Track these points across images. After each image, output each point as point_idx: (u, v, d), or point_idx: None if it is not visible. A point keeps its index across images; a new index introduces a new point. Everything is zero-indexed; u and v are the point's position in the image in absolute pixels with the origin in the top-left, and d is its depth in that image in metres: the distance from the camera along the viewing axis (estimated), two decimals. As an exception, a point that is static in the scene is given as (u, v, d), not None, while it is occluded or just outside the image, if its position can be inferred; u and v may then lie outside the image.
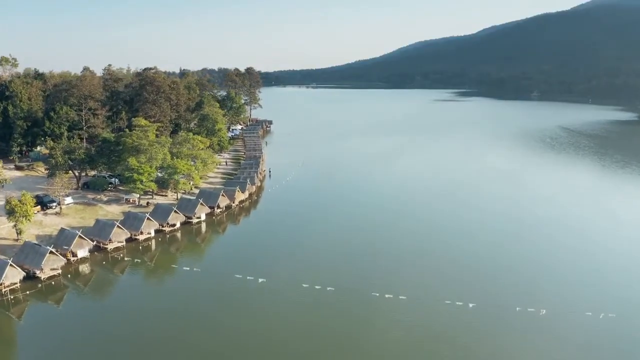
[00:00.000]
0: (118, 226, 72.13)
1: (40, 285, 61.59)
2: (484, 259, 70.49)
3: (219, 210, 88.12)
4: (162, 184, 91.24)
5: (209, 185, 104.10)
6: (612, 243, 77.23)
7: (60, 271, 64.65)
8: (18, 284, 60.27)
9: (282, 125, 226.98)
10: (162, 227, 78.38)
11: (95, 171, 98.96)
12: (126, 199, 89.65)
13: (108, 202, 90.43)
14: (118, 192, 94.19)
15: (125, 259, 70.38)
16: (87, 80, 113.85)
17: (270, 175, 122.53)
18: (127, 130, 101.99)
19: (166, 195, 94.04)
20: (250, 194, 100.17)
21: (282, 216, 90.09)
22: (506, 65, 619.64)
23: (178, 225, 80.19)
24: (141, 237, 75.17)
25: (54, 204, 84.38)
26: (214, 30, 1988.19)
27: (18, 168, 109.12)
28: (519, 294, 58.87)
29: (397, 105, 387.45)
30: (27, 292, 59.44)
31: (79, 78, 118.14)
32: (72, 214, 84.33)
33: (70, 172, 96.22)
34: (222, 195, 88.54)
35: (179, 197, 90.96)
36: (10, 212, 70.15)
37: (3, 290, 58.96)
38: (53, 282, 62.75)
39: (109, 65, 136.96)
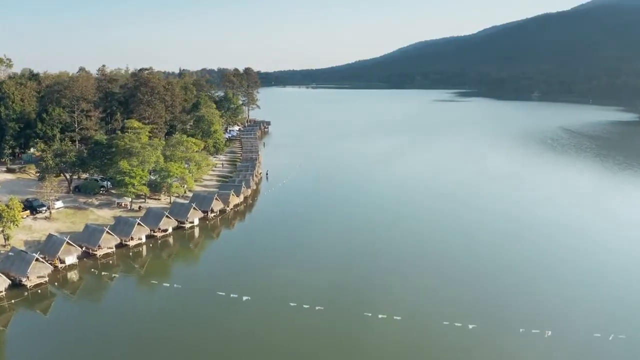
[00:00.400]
0: (107, 232, 70.10)
1: (26, 293, 59.62)
2: (484, 259, 70.11)
3: (212, 214, 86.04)
4: (155, 188, 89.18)
5: (204, 188, 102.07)
6: (615, 244, 76.28)
7: (47, 279, 62.73)
8: (3, 293, 58.26)
9: (281, 126, 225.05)
10: (154, 232, 76.35)
11: (87, 174, 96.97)
12: (118, 203, 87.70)
13: (100, 206, 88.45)
14: (110, 196, 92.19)
15: (115, 265, 68.49)
16: (80, 81, 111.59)
17: (267, 178, 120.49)
18: (119, 132, 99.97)
19: (159, 199, 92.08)
20: (246, 198, 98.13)
21: (276, 221, 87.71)
22: (506, 65, 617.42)
23: (170, 230, 78.15)
24: (131, 243, 73.15)
25: (44, 208, 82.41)
26: (213, 30, 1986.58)
27: (10, 171, 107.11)
28: (522, 312, 56.06)
29: (397, 105, 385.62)
30: (13, 301, 57.44)
31: (71, 79, 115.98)
32: (62, 218, 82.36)
33: (62, 175, 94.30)
34: (216, 199, 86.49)
35: (172, 201, 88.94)
36: (-3, 217, 68.17)
37: (-13, 299, 57.11)
38: (39, 290, 60.73)
39: (103, 65, 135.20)
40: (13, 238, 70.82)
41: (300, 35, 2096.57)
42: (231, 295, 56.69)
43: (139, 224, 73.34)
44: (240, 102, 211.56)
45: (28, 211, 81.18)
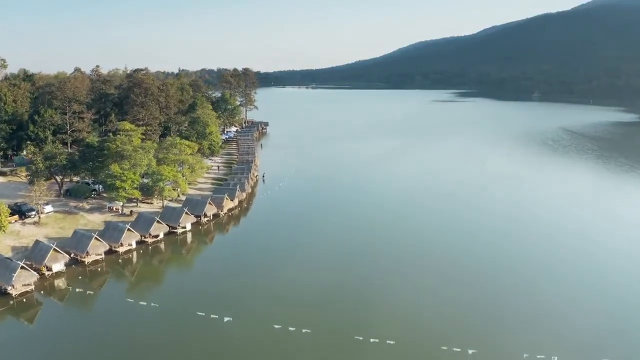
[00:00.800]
0: (96, 238, 67.99)
1: (11, 302, 57.66)
2: (484, 259, 69.76)
3: (205, 219, 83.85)
4: (147, 192, 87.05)
5: (198, 192, 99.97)
6: (616, 245, 75.86)
7: (33, 287, 60.72)
8: (-13, 302, 56.54)
9: (279, 127, 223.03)
10: (144, 238, 74.25)
11: (79, 177, 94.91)
12: (109, 208, 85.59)
13: (90, 210, 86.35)
14: (102, 200, 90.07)
15: (104, 273, 66.49)
16: (71, 82, 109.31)
17: (264, 180, 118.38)
18: (111, 134, 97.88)
19: (152, 203, 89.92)
20: (241, 202, 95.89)
21: (270, 227, 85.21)
22: (506, 65, 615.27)
23: (161, 236, 76.03)
24: (121, 250, 71.07)
25: (33, 212, 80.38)
26: (213, 30, 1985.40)
27: (1, 174, 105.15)
28: (522, 312, 55.54)
29: (396, 105, 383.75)
30: (-3, 310, 55.56)
31: (62, 80, 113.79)
32: (52, 223, 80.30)
33: (53, 178, 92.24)
34: (209, 203, 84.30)
35: (164, 205, 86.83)
36: (-17, 223, 66.24)
37: (-29, 309, 55.15)
38: (25, 299, 58.73)
39: (97, 66, 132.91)
40: (1, 244, 68.88)
41: (300, 35, 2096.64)
42: (211, 315, 52.67)
43: (129, 229, 71.24)
44: (238, 103, 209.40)
45: (17, 216, 79.33)
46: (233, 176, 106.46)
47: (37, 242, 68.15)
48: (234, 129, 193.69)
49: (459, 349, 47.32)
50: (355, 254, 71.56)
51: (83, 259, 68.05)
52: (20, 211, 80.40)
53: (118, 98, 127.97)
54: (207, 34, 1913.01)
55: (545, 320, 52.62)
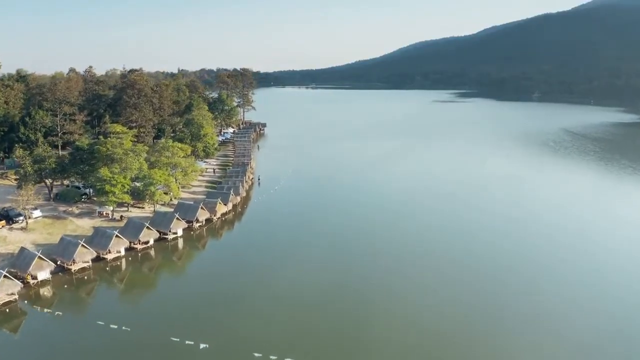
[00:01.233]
0: (83, 245, 65.75)
1: (-5, 311, 55.69)
2: (485, 259, 69.11)
3: (198, 224, 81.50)
4: (138, 196, 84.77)
5: (191, 196, 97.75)
6: (618, 247, 75.06)
7: (17, 296, 58.59)
8: (-30, 312, 54.49)
9: (278, 128, 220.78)
10: (134, 244, 72.01)
11: (68, 181, 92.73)
12: (99, 212, 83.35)
13: (80, 215, 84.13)
14: (92, 204, 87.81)
15: (91, 281, 64.35)
16: (62, 83, 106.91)
17: (259, 183, 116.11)
18: (101, 137, 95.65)
19: (143, 208, 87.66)
20: (235, 206, 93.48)
21: (263, 233, 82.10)
22: (506, 65, 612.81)
23: (151, 242, 73.73)
24: (109, 257, 68.85)
25: (21, 218, 78.23)
26: (213, 30, 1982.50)
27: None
28: (522, 312, 55.26)
29: (396, 105, 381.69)
30: (-20, 321, 53.54)
31: (53, 81, 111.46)
32: (40, 228, 78.13)
33: (42, 182, 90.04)
34: (202, 208, 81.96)
35: (155, 209, 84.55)
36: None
37: (-50, 319, 53.00)
38: (8, 309, 56.64)
39: (90, 67, 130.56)
40: (-15, 251, 66.82)
41: (300, 35, 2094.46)
42: (186, 342, 48.01)
43: (117, 236, 69.00)
44: (235, 104, 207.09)
45: (4, 221, 77.33)
46: (227, 179, 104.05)
47: (22, 249, 66.02)
48: (231, 130, 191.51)
49: (459, 350, 47.42)
50: (354, 261, 69.11)
51: (70, 267, 65.91)
52: (7, 216, 78.44)
53: (112, 99, 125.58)
54: (207, 34, 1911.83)
55: (545, 321, 52.42)
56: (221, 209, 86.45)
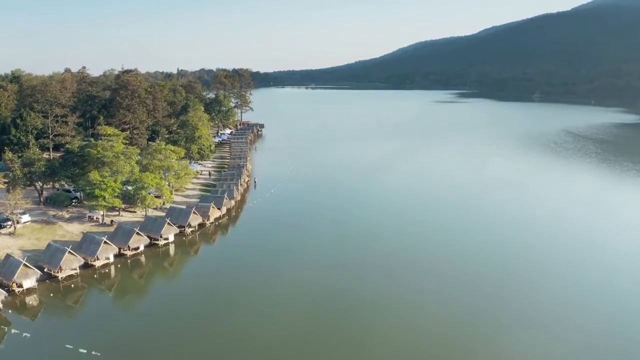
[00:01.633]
0: (70, 252, 63.61)
1: (-23, 321, 53.72)
2: (486, 260, 68.89)
3: (190, 230, 79.25)
4: (129, 200, 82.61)
5: (185, 199, 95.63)
6: (620, 249, 74.88)
7: (0, 305, 56.51)
8: (-49, 322, 52.42)
9: (276, 129, 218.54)
10: (123, 250, 69.88)
11: (58, 185, 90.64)
12: (89, 217, 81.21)
13: (70, 219, 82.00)
14: (83, 208, 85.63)
15: (78, 289, 62.24)
16: (53, 84, 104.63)
17: (255, 186, 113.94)
18: (92, 139, 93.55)
19: (135, 212, 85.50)
20: (229, 210, 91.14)
21: (256, 239, 79.07)
22: (507, 65, 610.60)
23: (142, 248, 71.55)
24: (98, 264, 66.71)
25: (9, 223, 76.10)
26: (213, 31, 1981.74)
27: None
28: (523, 312, 55.33)
29: (396, 106, 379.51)
30: (-39, 331, 51.50)
31: (44, 82, 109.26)
32: (28, 234, 76.02)
33: (32, 185, 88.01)
34: (194, 212, 79.74)
35: (147, 214, 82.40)
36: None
37: None
38: (-8, 319, 54.79)
39: (84, 67, 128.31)
40: (-30, 257, 64.67)
41: (300, 35, 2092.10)
42: None
43: (105, 242, 66.83)
44: (233, 105, 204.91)
45: (-9, 226, 75.23)
46: (222, 182, 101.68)
47: (7, 256, 63.85)
48: (228, 131, 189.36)
49: (459, 350, 47.66)
50: (352, 268, 66.95)
51: (56, 274, 63.82)
52: (-5, 221, 76.28)
53: (106, 100, 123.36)
54: (207, 34, 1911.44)
55: (545, 321, 52.61)
56: (215, 213, 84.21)
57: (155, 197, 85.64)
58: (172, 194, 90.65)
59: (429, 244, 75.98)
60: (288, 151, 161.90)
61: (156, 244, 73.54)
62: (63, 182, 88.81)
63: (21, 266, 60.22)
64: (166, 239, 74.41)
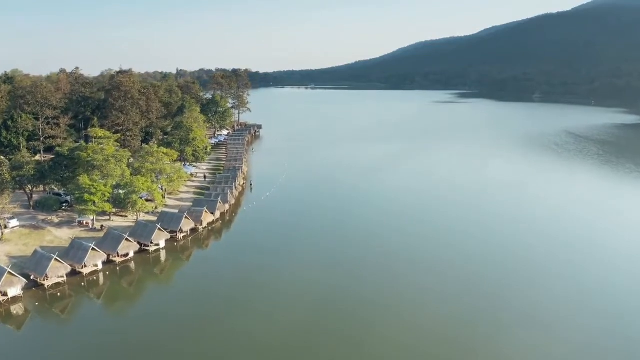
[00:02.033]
0: (56, 259, 61.66)
1: (-40, 331, 51.93)
2: (487, 261, 67.78)
3: (181, 235, 77.09)
4: (120, 204, 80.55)
5: (179, 203, 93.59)
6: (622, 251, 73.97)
7: (-16, 315, 54.78)
8: None
9: (274, 130, 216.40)
10: (112, 257, 67.84)
11: (48, 188, 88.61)
12: (79, 222, 79.16)
13: (59, 224, 79.99)
14: (73, 213, 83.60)
15: (65, 297, 60.33)
16: (44, 85, 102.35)
17: (251, 189, 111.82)
18: (82, 142, 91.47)
19: (126, 217, 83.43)
20: (223, 214, 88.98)
21: (250, 245, 76.42)
22: (507, 66, 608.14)
23: (131, 255, 69.52)
24: (85, 271, 64.70)
25: (-4, 228, 74.16)
26: (213, 31, 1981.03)
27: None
28: (525, 313, 55.36)
29: (396, 106, 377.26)
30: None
31: (34, 83, 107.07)
32: (16, 239, 74.07)
33: (22, 189, 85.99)
34: (186, 217, 77.64)
35: (138, 219, 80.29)
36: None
37: None
38: (-25, 330, 53.02)
39: (77, 68, 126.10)
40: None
41: (300, 35, 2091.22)
42: None
43: (93, 249, 64.80)
44: (230, 105, 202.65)
45: (-22, 232, 73.28)
46: (217, 185, 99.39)
47: (-9, 263, 61.96)
48: (225, 132, 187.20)
49: (459, 350, 47.53)
50: (349, 275, 65.04)
51: (43, 282, 61.84)
52: (-18, 226, 74.34)
53: (99, 102, 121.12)
54: (206, 34, 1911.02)
55: (545, 321, 52.58)
56: (207, 218, 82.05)
57: (147, 200, 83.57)
58: (164, 198, 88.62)
59: (429, 244, 75.81)
60: (286, 152, 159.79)
61: (147, 250, 71.51)
62: (53, 186, 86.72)
63: (6, 274, 58.31)
64: (157, 245, 72.38)
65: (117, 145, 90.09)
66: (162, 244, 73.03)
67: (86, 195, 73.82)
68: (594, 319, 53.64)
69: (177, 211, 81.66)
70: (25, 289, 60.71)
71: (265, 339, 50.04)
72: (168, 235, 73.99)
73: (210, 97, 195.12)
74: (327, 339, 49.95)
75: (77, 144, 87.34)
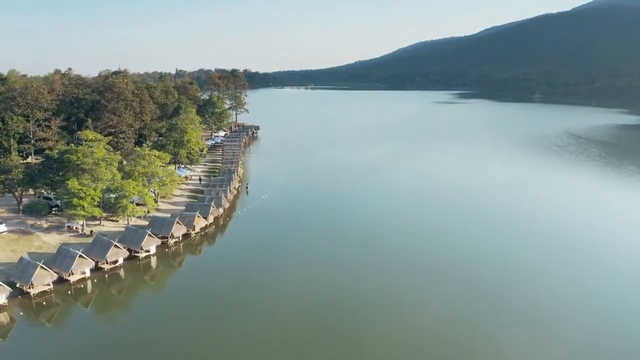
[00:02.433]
0: (42, 267, 59.70)
1: (-59, 342, 50.09)
2: (487, 262, 67.28)
3: (173, 241, 75.00)
4: (111, 208, 78.55)
5: (172, 207, 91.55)
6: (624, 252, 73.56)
7: (-33, 324, 52.89)
8: None
9: (272, 131, 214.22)
10: (101, 264, 65.86)
11: (37, 192, 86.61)
12: (68, 227, 77.17)
13: (48, 229, 77.98)
14: (62, 217, 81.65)
15: (52, 306, 58.45)
16: (34, 87, 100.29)
17: (247, 192, 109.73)
18: (72, 145, 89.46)
19: (117, 221, 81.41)
20: (216, 218, 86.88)
21: (243, 251, 74.17)
22: (507, 66, 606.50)
23: (120, 261, 67.52)
24: (72, 279, 62.74)
25: (-17, 233, 72.24)
26: (213, 31, 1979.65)
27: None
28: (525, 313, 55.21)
29: (396, 107, 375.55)
30: None
31: (25, 84, 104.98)
32: (3, 245, 72.05)
33: (11, 193, 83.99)
34: (178, 222, 75.58)
35: (128, 224, 78.27)
36: None
37: None
38: (-41, 340, 51.18)
39: (69, 69, 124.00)
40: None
41: (300, 35, 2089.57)
42: None
43: (81, 256, 62.83)
44: (227, 106, 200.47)
45: (-36, 238, 71.35)
46: (210, 189, 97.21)
47: (-25, 271, 60.06)
48: (222, 133, 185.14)
49: (459, 350, 47.48)
50: (346, 282, 63.01)
51: (28, 291, 59.90)
52: (-31, 232, 72.46)
53: (92, 103, 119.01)
54: (206, 34, 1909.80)
55: (545, 321, 52.53)
56: (200, 222, 79.90)
57: (138, 205, 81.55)
58: (157, 202, 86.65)
59: (429, 244, 75.58)
60: (284, 153, 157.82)
61: (136, 256, 69.50)
62: (42, 190, 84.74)
63: (-11, 283, 56.46)
64: (147, 251, 70.32)
65: (110, 148, 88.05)
66: (153, 250, 70.97)
67: (75, 200, 71.82)
68: (594, 319, 53.53)
69: (169, 216, 79.63)
70: (11, 297, 58.77)
71: (263, 341, 49.22)
72: (159, 241, 71.93)
73: (207, 97, 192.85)
74: (327, 339, 49.71)
75: (68, 147, 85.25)
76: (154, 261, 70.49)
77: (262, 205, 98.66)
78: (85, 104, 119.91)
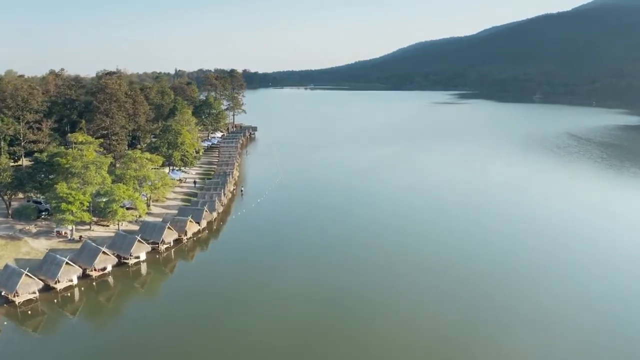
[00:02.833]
0: (27, 274, 57.85)
1: None
2: (488, 263, 66.27)
3: (164, 247, 73.02)
4: (101, 213, 76.63)
5: (165, 210, 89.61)
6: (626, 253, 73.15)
7: (-53, 335, 50.99)
8: None
9: (270, 131, 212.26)
10: (89, 271, 63.96)
11: (27, 196, 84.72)
12: (57, 232, 75.24)
13: (37, 234, 76.10)
14: (51, 222, 79.68)
15: (37, 314, 56.62)
16: (24, 88, 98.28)
17: (242, 195, 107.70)
18: (62, 148, 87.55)
19: (108, 226, 79.51)
20: (210, 223, 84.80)
21: (235, 259, 71.76)
22: (507, 66, 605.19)
23: (109, 268, 65.61)
24: (59, 286, 60.87)
25: (-31, 238, 70.31)
26: (213, 31, 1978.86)
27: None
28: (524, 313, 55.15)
29: (396, 107, 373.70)
30: None
31: (15, 86, 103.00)
32: (-10, 251, 70.21)
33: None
34: (169, 228, 73.61)
35: (118, 229, 76.31)
36: None
37: None
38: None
39: (62, 69, 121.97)
40: None
41: (300, 35, 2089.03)
42: None
43: (67, 263, 60.93)
44: (224, 107, 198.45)
45: (-51, 243, 69.46)
46: (204, 192, 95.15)
47: (-43, 279, 58.17)
48: (219, 134, 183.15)
49: (459, 350, 47.46)
50: (343, 288, 61.21)
51: (14, 299, 58.06)
52: (-47, 237, 70.54)
53: (85, 104, 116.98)
54: (206, 34, 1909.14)
55: (545, 321, 52.60)
56: (192, 227, 77.92)
57: (129, 209, 79.58)
58: (149, 206, 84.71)
59: (429, 244, 75.43)
60: (282, 155, 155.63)
61: (126, 263, 67.58)
62: (31, 194, 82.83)
63: (-29, 291, 54.61)
64: (137, 257, 68.34)
65: (102, 150, 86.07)
66: (143, 256, 69.00)
67: (63, 205, 69.88)
68: (594, 319, 53.59)
69: (160, 220, 77.70)
70: (-4, 306, 57.10)
71: (263, 341, 48.75)
72: (149, 247, 69.94)
73: (204, 98, 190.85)
74: (327, 339, 49.53)
75: (58, 150, 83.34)
76: (144, 268, 68.55)
77: (257, 209, 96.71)
78: (78, 105, 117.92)
